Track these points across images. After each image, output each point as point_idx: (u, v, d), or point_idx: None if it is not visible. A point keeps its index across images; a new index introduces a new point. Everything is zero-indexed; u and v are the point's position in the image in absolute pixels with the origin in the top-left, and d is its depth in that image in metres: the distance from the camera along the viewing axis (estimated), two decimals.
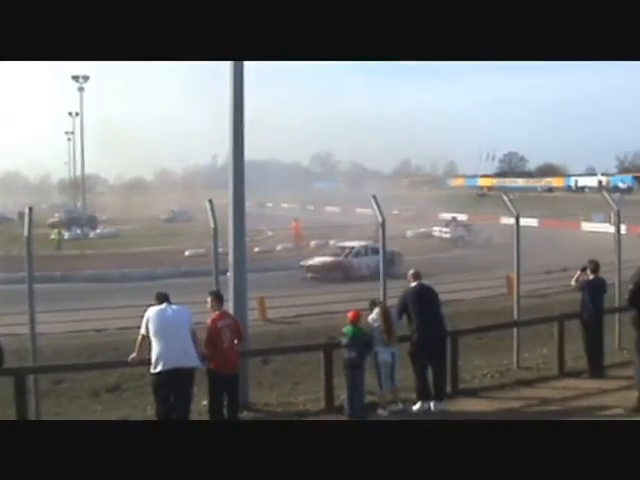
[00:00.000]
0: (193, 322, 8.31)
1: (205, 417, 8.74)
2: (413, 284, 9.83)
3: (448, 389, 9.99)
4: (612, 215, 13.45)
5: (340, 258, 29.85)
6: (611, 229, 13.82)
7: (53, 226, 48.36)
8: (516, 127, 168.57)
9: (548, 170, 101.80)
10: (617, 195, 46.35)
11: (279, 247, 38.32)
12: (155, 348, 7.93)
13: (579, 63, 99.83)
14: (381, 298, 10.15)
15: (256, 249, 31.92)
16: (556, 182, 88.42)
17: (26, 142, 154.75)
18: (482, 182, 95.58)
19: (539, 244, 30.38)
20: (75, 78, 58.35)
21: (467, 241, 40.87)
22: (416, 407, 9.50)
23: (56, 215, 58.37)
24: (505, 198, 12.22)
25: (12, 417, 8.34)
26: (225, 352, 8.51)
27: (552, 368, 11.35)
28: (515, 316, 11.80)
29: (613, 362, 11.33)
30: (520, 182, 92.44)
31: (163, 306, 8.18)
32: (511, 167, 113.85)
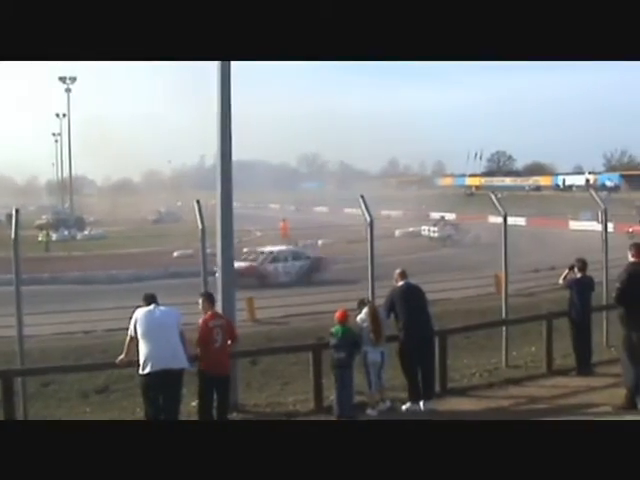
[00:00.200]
0: (182, 323, 8.29)
1: (194, 418, 8.70)
2: (400, 283, 9.83)
3: (437, 388, 10.02)
4: (599, 213, 13.51)
5: (254, 264, 28.18)
6: (599, 227, 13.88)
7: (41, 228, 48.13)
8: (503, 126, 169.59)
9: (536, 169, 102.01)
10: (604, 193, 46.79)
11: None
12: (143, 349, 7.89)
13: (567, 63, 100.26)
14: (369, 298, 10.15)
15: (245, 249, 31.79)
16: (544, 181, 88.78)
17: (13, 143, 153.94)
18: (470, 181, 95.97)
19: (527, 243, 30.54)
20: (62, 79, 58.11)
21: (455, 240, 41.16)
22: (405, 406, 9.52)
23: (44, 217, 58.27)
24: (493, 197, 12.30)
25: None
26: (216, 353, 8.47)
27: (540, 366, 11.39)
28: (503, 315, 11.85)
29: (601, 360, 11.41)
30: (508, 181, 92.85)
31: (151, 307, 8.16)
32: (499, 166, 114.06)
